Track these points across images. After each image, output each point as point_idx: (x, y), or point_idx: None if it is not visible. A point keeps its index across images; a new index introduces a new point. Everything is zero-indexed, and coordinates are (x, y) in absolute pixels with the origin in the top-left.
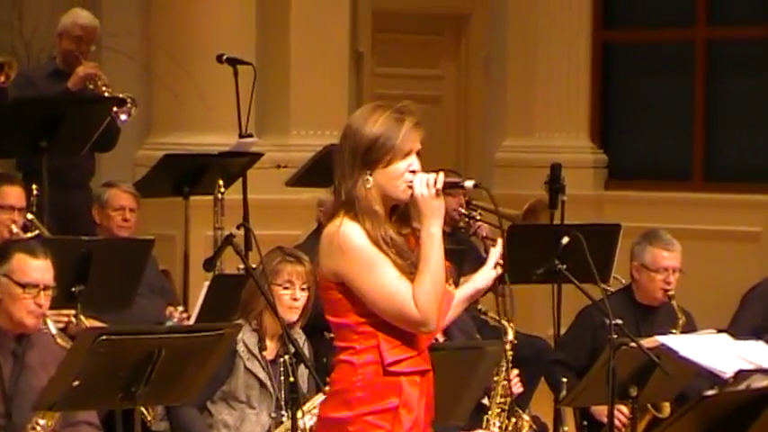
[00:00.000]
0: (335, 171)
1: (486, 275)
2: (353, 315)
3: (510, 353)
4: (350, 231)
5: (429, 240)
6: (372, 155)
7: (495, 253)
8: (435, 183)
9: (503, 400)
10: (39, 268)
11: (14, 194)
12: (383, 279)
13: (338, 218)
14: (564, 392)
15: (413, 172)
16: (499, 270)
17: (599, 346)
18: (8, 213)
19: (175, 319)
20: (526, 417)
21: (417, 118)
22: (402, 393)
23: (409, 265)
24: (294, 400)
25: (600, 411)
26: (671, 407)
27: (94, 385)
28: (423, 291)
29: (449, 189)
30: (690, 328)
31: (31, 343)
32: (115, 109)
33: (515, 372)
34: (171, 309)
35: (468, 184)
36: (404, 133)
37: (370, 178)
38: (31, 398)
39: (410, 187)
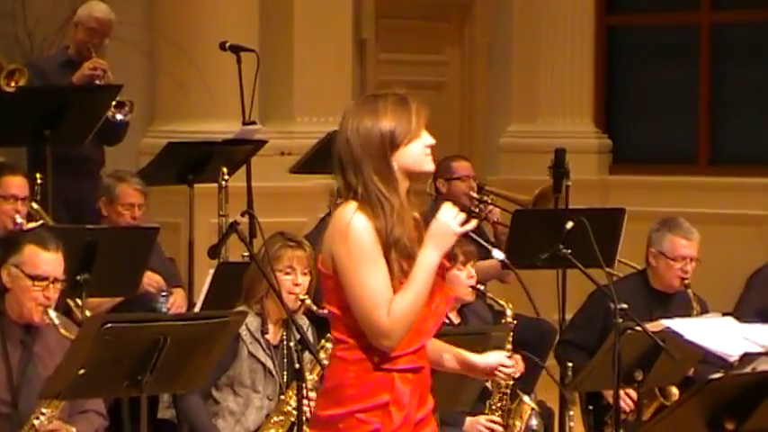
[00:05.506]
0: (343, 166)
1: (489, 361)
2: (348, 307)
3: (510, 334)
4: (358, 223)
5: (426, 263)
6: (394, 142)
7: (504, 360)
8: (463, 224)
9: (503, 383)
10: (49, 261)
11: (17, 184)
12: (368, 278)
13: (349, 207)
14: (570, 377)
15: (430, 146)
16: (503, 362)
17: (610, 328)
18: (11, 203)
19: (162, 299)
20: (527, 400)
21: (417, 98)
22: (394, 390)
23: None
24: (300, 387)
25: (611, 394)
26: (679, 393)
27: (100, 373)
28: (401, 304)
29: (468, 238)
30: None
31: (39, 332)
32: (113, 108)
33: (517, 357)
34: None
35: (498, 255)
36: (415, 114)
37: (395, 164)
38: (39, 387)
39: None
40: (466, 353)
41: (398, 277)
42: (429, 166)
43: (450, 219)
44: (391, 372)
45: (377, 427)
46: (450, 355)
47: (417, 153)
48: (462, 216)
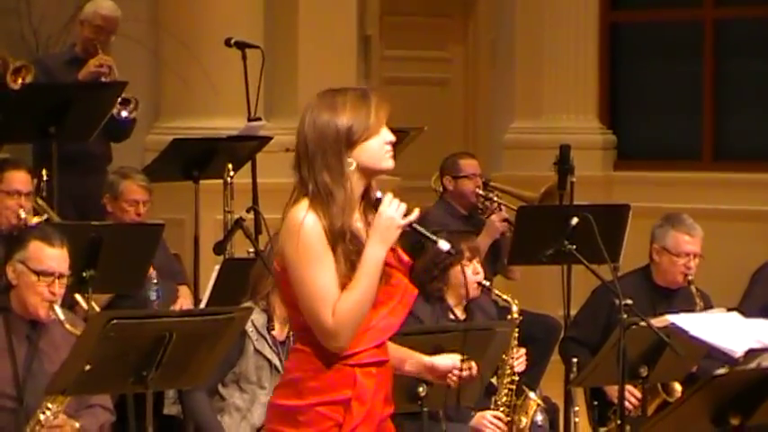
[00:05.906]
0: (300, 161)
1: (440, 364)
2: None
3: (516, 330)
4: (307, 223)
5: (371, 259)
6: (350, 138)
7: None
8: (405, 215)
9: (509, 379)
10: (54, 257)
11: (20, 179)
12: (314, 277)
13: (301, 206)
14: (574, 372)
15: (390, 143)
16: (457, 366)
17: (613, 324)
18: (15, 199)
19: (153, 287)
20: (533, 396)
21: (380, 93)
22: (356, 385)
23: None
24: None
25: (613, 392)
26: (682, 390)
27: (106, 369)
28: (346, 304)
29: (412, 230)
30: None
31: (45, 328)
32: (118, 105)
33: (522, 351)
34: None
35: (444, 246)
36: (374, 109)
37: (351, 160)
38: (44, 382)
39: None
40: (420, 355)
41: (349, 274)
42: (387, 162)
43: (392, 211)
44: (353, 367)
45: (339, 421)
46: (404, 357)
47: (375, 149)
48: (404, 206)
